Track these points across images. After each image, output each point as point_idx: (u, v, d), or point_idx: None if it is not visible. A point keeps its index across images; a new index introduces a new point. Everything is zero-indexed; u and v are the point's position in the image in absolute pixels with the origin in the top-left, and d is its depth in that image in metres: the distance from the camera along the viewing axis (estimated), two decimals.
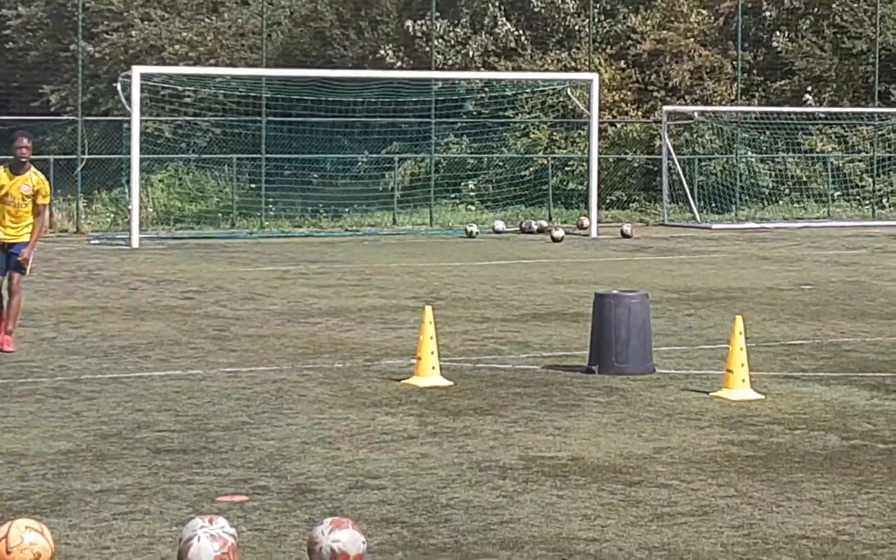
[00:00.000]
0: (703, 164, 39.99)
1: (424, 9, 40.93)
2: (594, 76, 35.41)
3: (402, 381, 12.88)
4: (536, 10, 42.13)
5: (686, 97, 41.07)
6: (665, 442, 10.43)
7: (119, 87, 32.53)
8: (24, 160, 14.21)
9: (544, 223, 35.31)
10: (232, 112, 39.70)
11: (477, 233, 33.13)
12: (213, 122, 40.40)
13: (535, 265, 25.52)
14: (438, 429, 10.85)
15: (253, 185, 37.25)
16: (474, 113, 40.39)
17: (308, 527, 7.85)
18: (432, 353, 12.91)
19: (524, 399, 12.10)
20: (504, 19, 42.02)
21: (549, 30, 42.50)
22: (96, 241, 30.40)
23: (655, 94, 41.34)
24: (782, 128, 40.18)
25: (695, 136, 40.55)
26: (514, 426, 10.96)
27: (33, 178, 14.32)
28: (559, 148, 40.46)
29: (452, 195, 39.04)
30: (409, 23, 41.50)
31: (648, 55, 41.60)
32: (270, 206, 35.97)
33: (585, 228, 34.27)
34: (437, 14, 40.31)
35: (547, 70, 40.55)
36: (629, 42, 41.90)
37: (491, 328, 16.69)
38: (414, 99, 38.03)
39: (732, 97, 41.01)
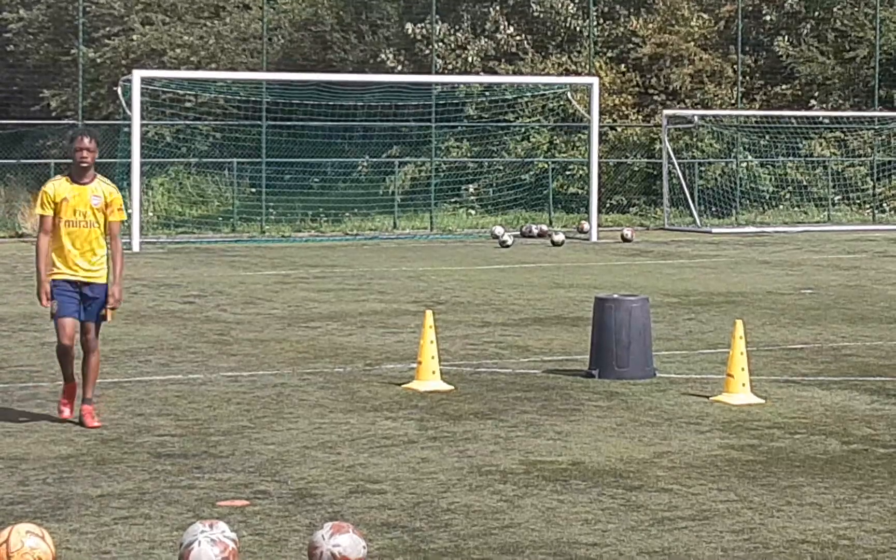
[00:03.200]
0: (704, 168, 39.98)
1: (425, 13, 40.93)
2: (594, 80, 35.41)
3: (403, 386, 12.89)
4: (537, 14, 42.13)
5: (686, 101, 41.07)
6: (665, 446, 10.44)
7: (120, 91, 32.54)
8: (85, 166, 10.92)
9: (545, 227, 35.29)
10: (232, 116, 39.70)
11: (511, 242, 31.41)
12: (213, 127, 40.39)
13: (536, 269, 25.52)
14: (439, 433, 10.85)
15: (253, 190, 37.24)
16: (475, 117, 40.39)
17: (308, 531, 7.86)
18: (433, 357, 12.91)
19: (524, 403, 12.10)
20: (505, 23, 42.02)
21: (549, 34, 42.51)
22: None
23: (656, 97, 41.33)
24: (782, 132, 40.18)
25: (695, 139, 40.55)
26: (515, 430, 10.96)
27: (103, 188, 11.06)
28: (560, 152, 40.45)
29: (453, 199, 39.02)
30: (409, 26, 41.49)
31: (649, 59, 41.59)
32: (271, 210, 35.96)
33: (586, 232, 34.26)
34: (438, 18, 40.31)
35: (547, 74, 40.55)
36: (630, 46, 41.90)
37: (491, 332, 16.70)
38: (414, 103, 38.02)
39: (733, 101, 41.02)
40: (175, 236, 33.69)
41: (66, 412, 11.16)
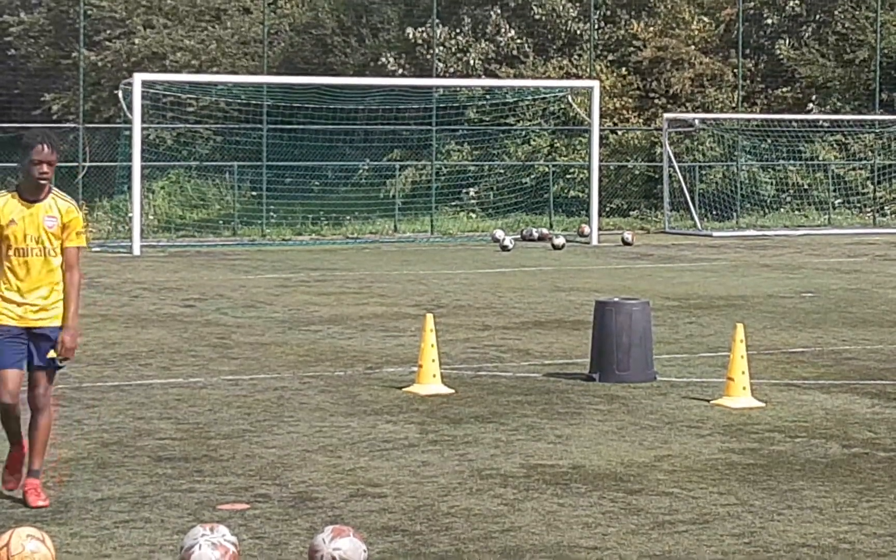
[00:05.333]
0: (704, 171, 40.00)
1: (426, 16, 40.95)
2: (595, 83, 35.42)
3: (404, 389, 12.89)
4: (537, 17, 42.14)
5: (687, 104, 41.08)
6: (666, 450, 10.43)
7: (120, 94, 32.55)
8: (44, 183, 8.68)
9: (545, 230, 35.30)
10: (233, 120, 39.72)
11: (511, 246, 31.30)
12: (214, 130, 40.42)
13: (536, 273, 25.53)
14: (439, 437, 10.85)
15: (254, 193, 37.26)
16: (475, 120, 40.41)
17: (309, 535, 7.86)
18: (433, 360, 12.91)
19: (525, 407, 12.10)
20: (506, 26, 42.04)
21: (550, 37, 42.52)
22: (97, 249, 30.42)
23: (656, 101, 41.34)
24: (783, 135, 40.18)
25: (696, 143, 40.55)
26: (515, 434, 10.96)
27: (60, 206, 8.71)
28: (560, 155, 40.47)
29: (453, 203, 39.05)
30: (410, 30, 41.51)
31: (650, 62, 41.60)
32: (272, 213, 35.99)
33: (586, 236, 34.26)
34: (439, 21, 40.33)
35: (548, 77, 40.56)
36: (630, 49, 41.92)
37: (492, 336, 16.69)
38: (415, 106, 38.04)
39: (733, 105, 41.04)
40: (176, 240, 33.71)
41: (12, 484, 8.91)
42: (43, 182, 8.65)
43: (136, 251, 29.58)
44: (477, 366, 14.39)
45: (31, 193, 8.68)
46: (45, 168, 8.60)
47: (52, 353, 8.70)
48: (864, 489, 9.26)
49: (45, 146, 8.60)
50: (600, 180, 35.60)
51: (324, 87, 36.18)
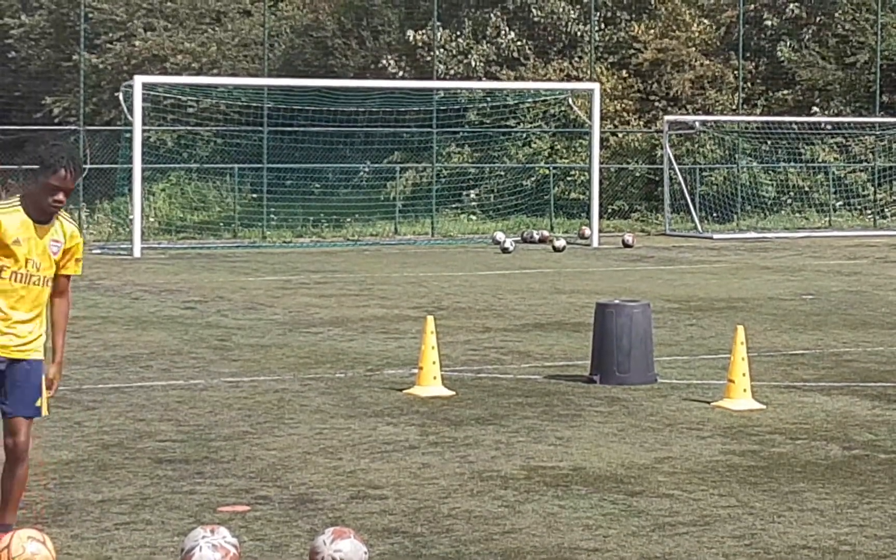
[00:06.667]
0: (705, 173, 40.01)
1: (426, 19, 40.96)
2: (595, 86, 35.43)
3: (404, 391, 12.89)
4: (537, 19, 42.15)
5: (688, 107, 41.09)
6: (666, 452, 10.44)
7: (121, 96, 32.57)
8: (55, 211, 7.49)
9: (546, 233, 35.30)
10: (234, 122, 39.73)
11: (512, 248, 31.33)
12: (214, 132, 40.43)
13: (537, 275, 25.53)
14: (440, 439, 10.85)
15: (254, 195, 37.28)
16: (476, 122, 40.42)
17: (310, 537, 7.87)
18: (434, 362, 12.91)
19: (526, 409, 12.10)
20: (506, 29, 42.05)
21: (550, 39, 42.53)
22: (98, 251, 30.42)
23: (657, 103, 41.35)
24: (784, 137, 40.19)
25: (696, 145, 40.56)
26: (516, 436, 10.96)
27: (65, 228, 7.59)
28: (561, 157, 40.47)
29: (454, 205, 39.06)
30: (410, 33, 41.52)
31: (650, 64, 41.61)
32: (272, 215, 35.99)
33: (587, 238, 34.26)
34: (439, 24, 40.34)
35: (548, 79, 40.57)
36: (631, 51, 41.93)
37: (492, 338, 16.70)
38: (416, 109, 38.05)
39: (734, 107, 41.04)
40: (176, 241, 33.71)
41: None
42: (55, 210, 7.42)
43: (137, 253, 29.58)
44: (477, 368, 14.40)
45: (37, 214, 7.45)
46: (61, 197, 7.38)
47: (40, 402, 7.61)
48: (864, 491, 9.27)
49: (70, 173, 7.34)
50: (601, 182, 35.60)
51: (324, 89, 36.19)
